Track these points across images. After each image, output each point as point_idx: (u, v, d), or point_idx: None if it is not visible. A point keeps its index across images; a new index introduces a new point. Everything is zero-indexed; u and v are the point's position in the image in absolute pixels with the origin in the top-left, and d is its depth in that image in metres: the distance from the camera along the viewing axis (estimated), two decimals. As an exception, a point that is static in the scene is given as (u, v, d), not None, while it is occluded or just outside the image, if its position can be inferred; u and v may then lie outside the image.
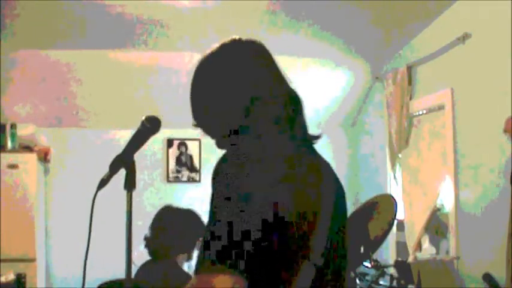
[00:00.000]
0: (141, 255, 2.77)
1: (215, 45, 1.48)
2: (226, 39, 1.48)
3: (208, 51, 1.48)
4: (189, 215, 2.99)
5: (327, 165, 1.46)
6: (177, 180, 5.31)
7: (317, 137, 1.47)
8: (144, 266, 2.93)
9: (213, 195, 1.29)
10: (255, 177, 1.27)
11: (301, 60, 4.63)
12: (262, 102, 1.39)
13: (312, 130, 1.48)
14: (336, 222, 1.41)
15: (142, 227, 2.70)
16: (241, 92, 1.40)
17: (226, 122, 1.39)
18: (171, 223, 2.94)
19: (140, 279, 2.87)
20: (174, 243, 2.88)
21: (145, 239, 2.92)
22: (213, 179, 1.30)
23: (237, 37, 1.48)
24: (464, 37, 3.65)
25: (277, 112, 1.40)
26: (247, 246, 1.22)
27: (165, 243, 2.88)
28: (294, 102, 1.44)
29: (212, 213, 1.27)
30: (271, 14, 3.88)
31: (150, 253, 2.91)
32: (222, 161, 1.32)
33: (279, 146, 1.37)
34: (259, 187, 1.25)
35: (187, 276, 2.78)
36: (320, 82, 4.94)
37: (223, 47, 1.47)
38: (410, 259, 3.99)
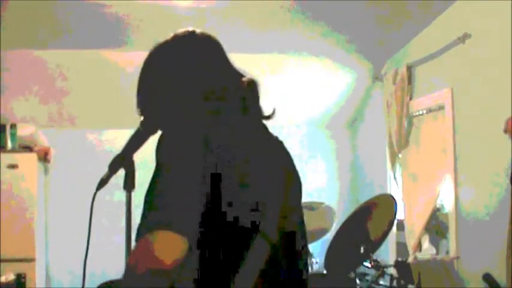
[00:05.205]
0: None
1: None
2: (180, 31, 1.55)
3: (161, 41, 1.58)
4: None
5: (280, 142, 1.52)
6: (177, 180, 5.30)
7: (270, 116, 1.51)
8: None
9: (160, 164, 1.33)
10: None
11: (301, 60, 4.63)
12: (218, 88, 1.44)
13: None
14: (291, 198, 1.42)
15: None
16: (197, 79, 1.45)
17: (182, 108, 1.43)
18: None
19: None
20: None
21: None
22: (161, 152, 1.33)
23: (191, 29, 1.55)
24: (464, 37, 3.65)
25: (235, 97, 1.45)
26: (195, 211, 1.24)
27: None
28: (250, 88, 1.48)
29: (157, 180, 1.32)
30: (269, 14, 3.87)
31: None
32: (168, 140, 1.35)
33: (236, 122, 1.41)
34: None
35: None
36: (320, 82, 4.93)
37: (179, 38, 1.55)
38: (410, 259, 3.99)
